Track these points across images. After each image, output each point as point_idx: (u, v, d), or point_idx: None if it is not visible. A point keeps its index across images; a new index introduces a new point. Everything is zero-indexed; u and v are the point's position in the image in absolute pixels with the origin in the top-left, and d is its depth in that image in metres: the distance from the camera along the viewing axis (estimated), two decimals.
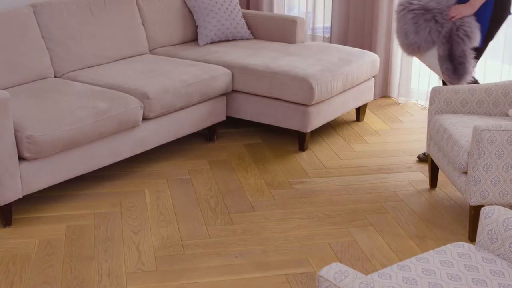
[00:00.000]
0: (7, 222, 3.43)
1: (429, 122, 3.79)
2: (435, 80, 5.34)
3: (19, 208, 3.57)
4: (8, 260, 3.14)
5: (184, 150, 4.45)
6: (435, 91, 3.75)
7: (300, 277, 3.03)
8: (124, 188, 3.90)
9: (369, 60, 4.79)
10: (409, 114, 5.25)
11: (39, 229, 3.43)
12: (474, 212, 3.29)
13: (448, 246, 2.38)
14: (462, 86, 3.75)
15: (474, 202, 3.27)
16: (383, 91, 5.60)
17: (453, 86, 3.77)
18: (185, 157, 4.35)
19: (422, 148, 4.51)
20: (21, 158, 3.38)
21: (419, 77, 5.48)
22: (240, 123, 4.85)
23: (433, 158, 3.76)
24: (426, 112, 5.27)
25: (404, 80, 5.49)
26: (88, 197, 3.78)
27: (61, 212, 3.60)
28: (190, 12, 5.09)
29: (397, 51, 5.45)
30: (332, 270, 1.98)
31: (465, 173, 3.31)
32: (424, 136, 4.73)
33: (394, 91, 5.58)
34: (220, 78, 4.38)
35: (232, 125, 4.85)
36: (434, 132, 3.65)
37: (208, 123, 4.42)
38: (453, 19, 3.93)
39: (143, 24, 4.79)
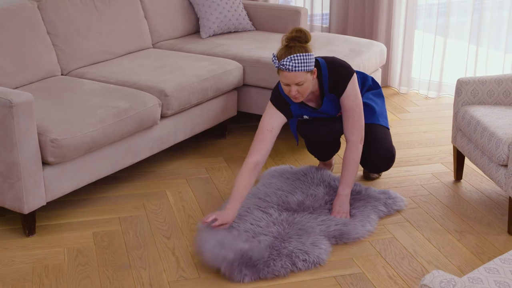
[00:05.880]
0: (30, 231, 3.24)
1: (456, 113, 3.73)
2: (437, 69, 5.31)
3: (40, 214, 3.39)
4: (40, 272, 2.96)
5: (197, 148, 4.30)
6: (461, 82, 3.69)
7: (349, 279, 2.93)
8: (144, 189, 3.74)
9: (378, 50, 4.70)
10: (414, 104, 5.20)
11: (64, 236, 3.26)
12: None
13: None
14: (489, 77, 3.70)
15: None
16: (384, 81, 5.52)
17: (479, 76, 3.71)
18: (200, 154, 4.20)
19: (436, 139, 4.46)
20: (44, 163, 3.20)
21: (420, 66, 5.42)
22: (249, 117, 4.72)
23: (461, 150, 3.71)
24: (430, 102, 5.25)
25: (405, 70, 5.42)
26: (108, 200, 3.61)
27: (84, 217, 3.43)
28: (191, 3, 4.93)
29: (398, 40, 5.38)
30: (437, 279, 1.89)
31: (505, 166, 3.26)
32: (434, 127, 4.69)
33: (395, 81, 5.50)
34: (233, 72, 4.24)
35: (241, 120, 4.72)
36: (464, 124, 3.59)
37: (221, 119, 4.28)
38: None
39: (145, 18, 4.61)
